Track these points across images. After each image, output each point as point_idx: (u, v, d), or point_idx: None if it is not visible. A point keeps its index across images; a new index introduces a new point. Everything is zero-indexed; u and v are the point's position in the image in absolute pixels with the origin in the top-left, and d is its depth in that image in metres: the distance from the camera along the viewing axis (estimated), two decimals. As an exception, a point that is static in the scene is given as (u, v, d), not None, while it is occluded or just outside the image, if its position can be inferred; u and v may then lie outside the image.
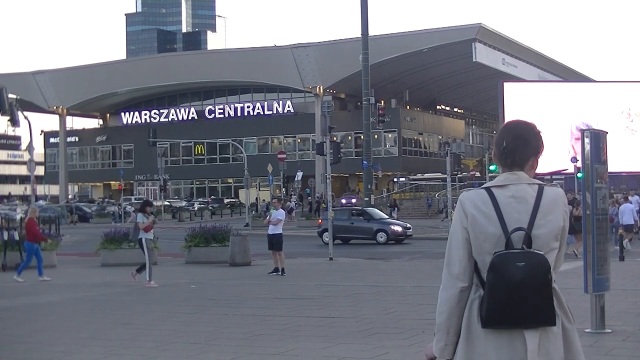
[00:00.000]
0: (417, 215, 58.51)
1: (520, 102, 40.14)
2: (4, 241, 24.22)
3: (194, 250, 24.88)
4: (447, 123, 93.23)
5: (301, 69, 77.99)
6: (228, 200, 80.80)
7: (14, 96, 61.61)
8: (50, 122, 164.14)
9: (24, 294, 17.55)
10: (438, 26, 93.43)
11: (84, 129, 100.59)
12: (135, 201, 76.05)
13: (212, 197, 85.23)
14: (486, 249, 3.28)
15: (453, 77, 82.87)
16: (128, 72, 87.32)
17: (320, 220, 37.56)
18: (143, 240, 18.69)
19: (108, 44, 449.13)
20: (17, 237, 24.26)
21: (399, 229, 35.43)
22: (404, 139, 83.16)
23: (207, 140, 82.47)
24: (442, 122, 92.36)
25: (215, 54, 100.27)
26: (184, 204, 74.43)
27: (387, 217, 39.08)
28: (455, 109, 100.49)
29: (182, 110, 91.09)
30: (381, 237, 34.75)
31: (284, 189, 65.18)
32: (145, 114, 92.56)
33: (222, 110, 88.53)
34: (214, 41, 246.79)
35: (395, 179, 75.25)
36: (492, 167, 47.57)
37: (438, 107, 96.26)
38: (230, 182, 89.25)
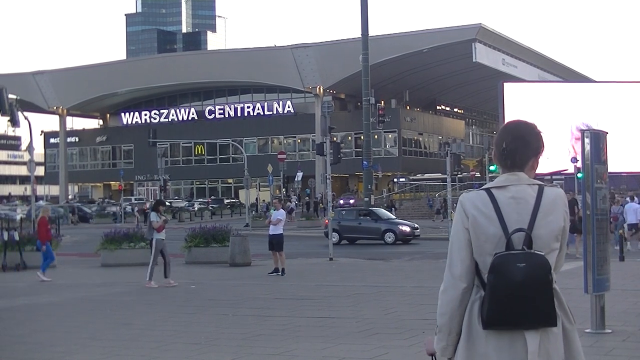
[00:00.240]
0: (417, 215, 58.45)
1: (520, 102, 40.08)
2: (4, 241, 24.21)
3: (194, 251, 24.88)
4: (447, 123, 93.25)
5: (301, 69, 78.01)
6: (228, 200, 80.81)
7: (14, 96, 61.60)
8: (50, 122, 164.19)
9: (24, 294, 17.56)
10: (438, 26, 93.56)
11: (84, 130, 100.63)
12: (136, 201, 76.14)
13: (212, 197, 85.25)
14: (487, 250, 3.28)
15: (453, 77, 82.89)
16: (128, 73, 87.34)
17: (327, 221, 37.43)
18: (154, 240, 18.48)
19: (108, 44, 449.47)
20: (17, 238, 24.25)
21: (407, 229, 35.16)
22: (404, 139, 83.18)
23: (207, 141, 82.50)
24: (442, 122, 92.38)
25: (215, 54, 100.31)
26: (184, 204, 74.45)
27: (395, 217, 38.83)
28: (455, 109, 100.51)
29: (182, 110, 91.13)
30: (389, 237, 34.49)
31: (284, 190, 65.19)
32: (145, 114, 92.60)
33: (222, 111, 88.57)
34: (214, 41, 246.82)
35: (395, 179, 75.26)
36: (492, 168, 47.57)
37: (438, 107, 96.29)
38: (230, 183, 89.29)
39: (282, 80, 79.59)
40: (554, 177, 39.81)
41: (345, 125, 74.23)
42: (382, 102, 68.45)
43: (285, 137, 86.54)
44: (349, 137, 79.68)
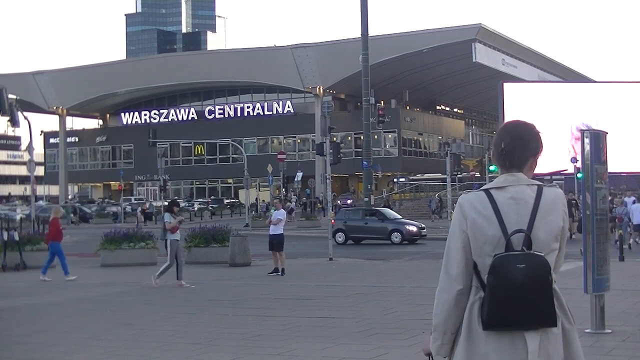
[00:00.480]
0: (417, 215, 58.37)
1: (520, 102, 40.07)
2: (4, 241, 24.20)
3: (194, 251, 24.87)
4: (447, 123, 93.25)
5: (301, 69, 78.01)
6: (228, 200, 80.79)
7: (14, 96, 61.61)
8: (50, 122, 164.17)
9: (24, 294, 17.56)
10: (438, 26, 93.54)
11: (83, 130, 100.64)
12: (135, 201, 76.14)
13: (212, 197, 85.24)
14: (486, 251, 3.28)
15: (453, 77, 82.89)
16: (128, 73, 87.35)
17: (333, 221, 37.42)
18: (168, 241, 18.32)
19: (108, 45, 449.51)
20: (16, 238, 24.25)
21: (414, 229, 34.93)
22: (403, 139, 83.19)
23: (207, 141, 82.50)
24: (442, 122, 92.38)
25: (215, 54, 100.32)
26: (183, 204, 74.39)
27: (401, 217, 38.70)
28: (455, 110, 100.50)
29: (182, 110, 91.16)
30: (396, 237, 34.26)
31: (283, 190, 65.20)
32: (145, 115, 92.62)
33: (222, 111, 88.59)
34: (214, 41, 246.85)
35: (395, 180, 75.26)
36: (492, 168, 47.52)
37: (438, 107, 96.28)
38: (230, 183, 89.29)
39: (282, 80, 79.60)
40: (553, 177, 39.80)
41: (345, 125, 74.24)
42: (382, 102, 68.44)
43: (285, 137, 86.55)
44: (349, 137, 79.69)
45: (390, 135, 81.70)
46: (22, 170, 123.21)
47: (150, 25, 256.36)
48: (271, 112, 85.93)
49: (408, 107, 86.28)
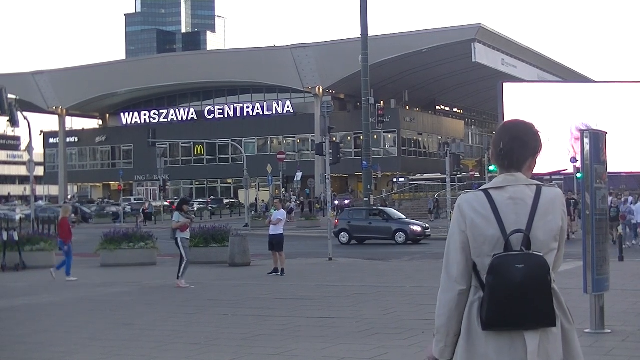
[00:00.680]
0: (417, 215, 58.38)
1: (520, 102, 40.12)
2: (4, 241, 24.20)
3: (194, 251, 24.75)
4: (447, 123, 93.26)
5: (301, 69, 78.02)
6: (227, 200, 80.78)
7: (13, 96, 61.62)
8: (50, 122, 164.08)
9: (24, 294, 17.56)
10: (438, 26, 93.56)
11: (83, 130, 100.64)
12: (135, 202, 76.13)
13: (212, 197, 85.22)
14: (485, 251, 3.28)
15: (452, 77, 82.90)
16: (127, 73, 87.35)
17: (337, 221, 37.41)
18: (179, 239, 18.24)
19: (108, 45, 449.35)
20: (16, 238, 24.25)
21: (419, 229, 34.83)
22: (403, 139, 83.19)
23: (206, 141, 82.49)
24: (442, 122, 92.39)
25: (215, 54, 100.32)
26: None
27: (405, 217, 38.73)
28: (455, 110, 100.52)
29: (182, 110, 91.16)
30: (400, 237, 34.16)
31: (283, 190, 65.20)
32: (145, 115, 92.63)
33: (221, 111, 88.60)
34: (214, 41, 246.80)
35: (394, 180, 75.28)
36: (491, 168, 47.53)
37: (437, 107, 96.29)
38: (230, 183, 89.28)
39: (281, 80, 79.61)
40: (553, 177, 39.84)
41: (344, 126, 74.27)
42: (382, 102, 68.47)
43: (284, 137, 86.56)
44: (349, 137, 79.70)
45: (389, 135, 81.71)
46: (22, 171, 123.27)
47: (149, 25, 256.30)
48: (271, 112, 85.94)
49: (408, 107, 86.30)
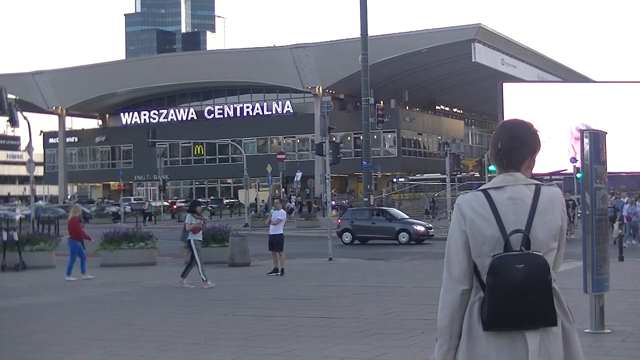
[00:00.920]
0: (416, 215, 58.43)
1: (520, 102, 40.08)
2: (4, 242, 24.18)
3: (194, 251, 24.82)
4: (447, 123, 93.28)
5: (300, 69, 78.03)
6: (227, 200, 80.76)
7: (13, 96, 61.65)
8: (50, 122, 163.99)
9: (24, 294, 17.56)
10: (437, 26, 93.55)
11: (83, 130, 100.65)
12: (135, 202, 76.14)
13: (212, 197, 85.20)
14: (485, 251, 3.28)
15: (452, 77, 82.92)
16: (127, 73, 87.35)
17: (339, 221, 37.37)
18: (192, 241, 18.17)
19: (107, 45, 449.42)
20: (16, 238, 24.23)
21: (422, 228, 34.80)
22: (403, 139, 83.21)
23: (206, 141, 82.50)
24: (442, 122, 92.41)
25: (215, 54, 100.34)
26: (183, 204, 74.42)
27: (408, 216, 38.59)
28: (455, 109, 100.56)
29: (182, 110, 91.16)
30: (403, 237, 34.09)
31: (283, 190, 65.19)
32: (145, 115, 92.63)
33: (221, 111, 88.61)
34: (214, 41, 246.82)
35: (394, 180, 75.31)
36: (491, 168, 47.49)
37: (437, 107, 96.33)
38: (230, 183, 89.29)
39: (281, 80, 79.61)
40: (553, 177, 39.83)
41: (344, 126, 74.26)
42: (382, 102, 68.47)
43: (284, 137, 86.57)
44: (348, 137, 79.71)
45: (389, 135, 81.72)
46: (22, 171, 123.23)
47: (149, 25, 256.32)
48: (270, 112, 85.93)
49: (407, 107, 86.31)
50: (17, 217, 49.22)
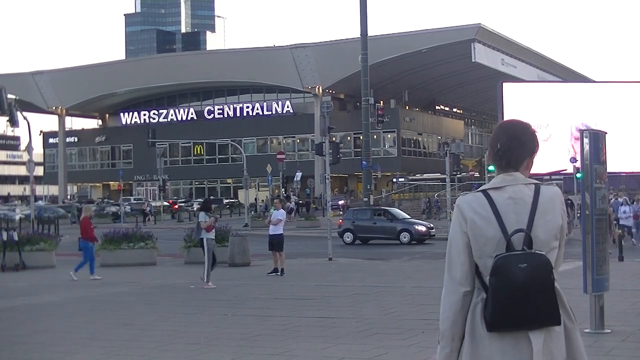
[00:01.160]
0: (416, 215, 58.44)
1: (520, 102, 40.08)
2: (4, 242, 24.19)
3: (194, 251, 24.81)
4: (447, 123, 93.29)
5: (300, 69, 78.02)
6: (227, 200, 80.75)
7: (13, 96, 61.63)
8: (50, 122, 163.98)
9: (24, 294, 17.56)
10: (437, 26, 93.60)
11: (83, 130, 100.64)
12: (135, 202, 76.12)
13: (211, 197, 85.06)
14: (487, 252, 3.27)
15: (452, 77, 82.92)
16: (127, 73, 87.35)
17: (340, 221, 37.36)
18: (204, 240, 18.18)
19: (107, 45, 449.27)
20: (16, 238, 24.24)
21: (423, 228, 34.83)
22: (403, 139, 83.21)
23: (206, 141, 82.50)
24: (442, 122, 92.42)
25: (215, 54, 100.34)
26: (183, 204, 74.45)
27: (409, 216, 38.50)
28: (455, 109, 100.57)
29: (181, 110, 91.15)
30: (405, 237, 34.14)
31: (282, 190, 65.18)
32: (145, 115, 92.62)
33: (221, 111, 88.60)
34: (213, 41, 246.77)
35: (394, 179, 75.32)
36: (490, 168, 47.47)
37: (437, 107, 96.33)
38: (230, 183, 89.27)
39: (281, 80, 79.61)
40: (553, 177, 39.84)
41: (344, 125, 74.25)
42: (382, 102, 68.50)
43: (284, 137, 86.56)
44: (348, 137, 79.71)
45: (389, 135, 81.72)
46: (22, 170, 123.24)
47: (149, 25, 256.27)
48: (270, 112, 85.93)
49: (407, 107, 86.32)
50: (17, 217, 49.24)
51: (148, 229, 34.44)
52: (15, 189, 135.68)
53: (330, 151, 28.83)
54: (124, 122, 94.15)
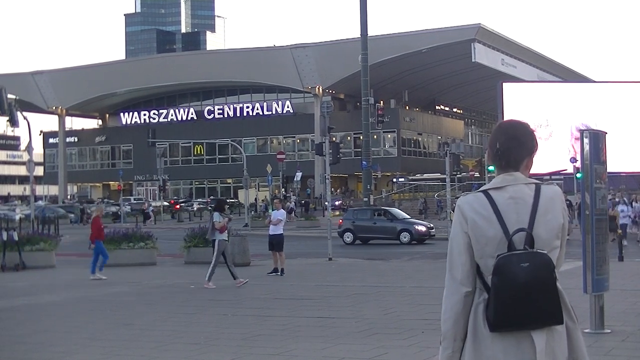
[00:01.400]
0: (415, 215, 58.45)
1: (520, 102, 40.12)
2: (4, 242, 24.18)
3: (193, 251, 24.87)
4: (447, 123, 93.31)
5: (300, 69, 78.04)
6: (227, 200, 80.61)
7: (13, 96, 61.64)
8: (50, 122, 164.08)
9: (24, 294, 17.55)
10: (437, 26, 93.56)
11: (83, 130, 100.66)
12: (135, 202, 76.11)
13: (211, 197, 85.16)
14: (488, 252, 3.27)
15: (452, 77, 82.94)
16: (127, 73, 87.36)
17: (340, 221, 37.34)
18: (217, 241, 18.12)
19: (107, 45, 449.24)
20: (16, 238, 24.23)
21: (423, 228, 34.84)
22: (403, 139, 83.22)
23: (206, 141, 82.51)
24: (442, 122, 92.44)
25: (215, 54, 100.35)
26: (183, 204, 74.50)
27: (409, 216, 38.50)
28: (455, 109, 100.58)
29: (181, 110, 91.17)
30: (405, 237, 34.15)
31: (282, 189, 65.18)
32: (145, 114, 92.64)
33: (221, 111, 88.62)
34: (213, 41, 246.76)
35: (394, 179, 75.33)
36: (490, 168, 47.42)
37: (437, 107, 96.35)
38: (230, 183, 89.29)
39: (281, 80, 79.62)
40: (553, 177, 39.85)
41: (344, 125, 74.27)
42: (382, 102, 68.50)
43: (284, 137, 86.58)
44: (348, 137, 79.72)
45: (389, 135, 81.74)
46: (22, 170, 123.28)
47: (149, 25, 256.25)
48: (270, 112, 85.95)
49: (407, 107, 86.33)
50: (17, 217, 49.21)
51: (148, 229, 34.44)
52: (15, 189, 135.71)
53: (330, 151, 28.83)
54: (124, 122, 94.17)
